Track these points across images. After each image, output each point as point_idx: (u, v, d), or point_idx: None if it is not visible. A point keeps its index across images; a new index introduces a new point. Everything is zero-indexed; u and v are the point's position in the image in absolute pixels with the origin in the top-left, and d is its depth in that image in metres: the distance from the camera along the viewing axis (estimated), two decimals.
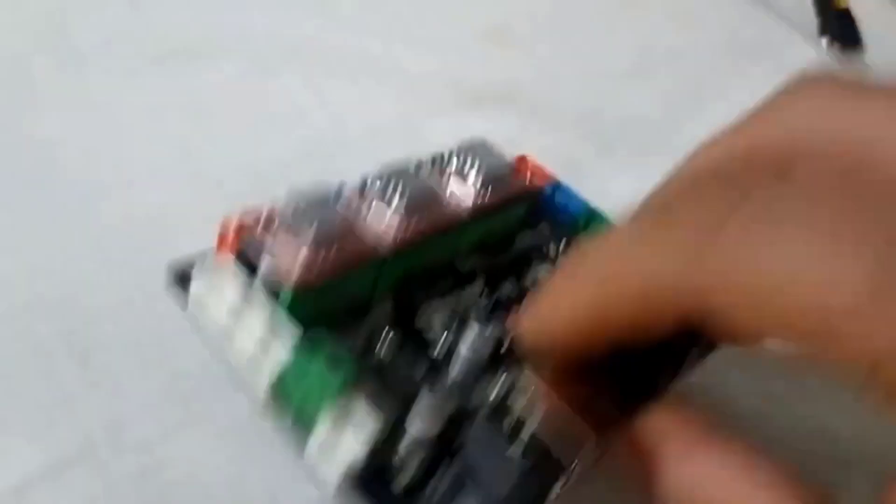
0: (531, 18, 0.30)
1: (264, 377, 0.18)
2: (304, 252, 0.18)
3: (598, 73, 0.28)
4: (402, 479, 0.17)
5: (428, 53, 0.29)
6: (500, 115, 0.27)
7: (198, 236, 0.19)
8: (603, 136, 0.27)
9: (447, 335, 0.19)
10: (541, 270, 0.22)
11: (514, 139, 0.24)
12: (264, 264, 0.18)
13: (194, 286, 0.19)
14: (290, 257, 0.18)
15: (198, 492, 0.20)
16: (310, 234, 0.18)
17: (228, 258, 0.18)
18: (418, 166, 0.21)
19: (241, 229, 0.18)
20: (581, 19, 0.30)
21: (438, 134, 0.23)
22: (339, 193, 0.20)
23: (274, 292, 0.18)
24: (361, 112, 0.27)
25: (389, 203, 0.20)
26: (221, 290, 0.18)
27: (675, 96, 0.23)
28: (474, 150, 0.22)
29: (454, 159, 0.22)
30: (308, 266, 0.18)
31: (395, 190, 0.20)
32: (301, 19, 0.30)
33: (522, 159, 0.24)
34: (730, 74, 0.29)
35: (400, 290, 0.20)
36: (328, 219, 0.18)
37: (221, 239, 0.18)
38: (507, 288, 0.21)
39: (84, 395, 0.22)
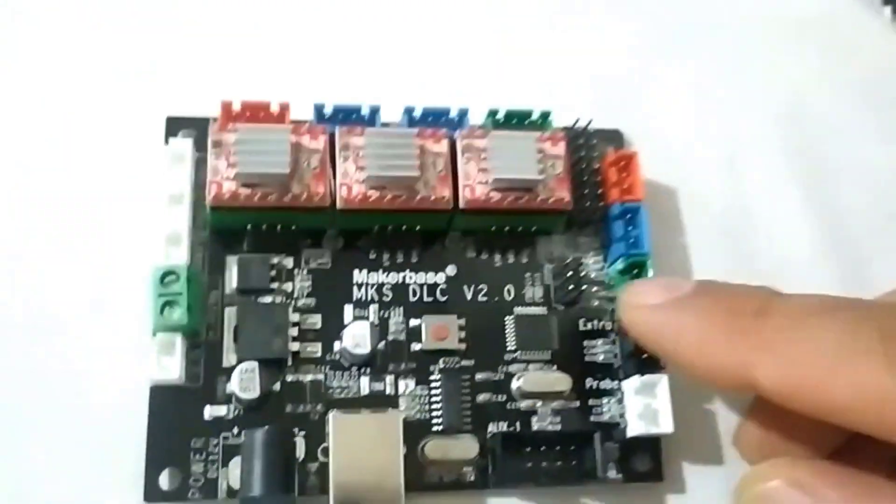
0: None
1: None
2: (226, 181, 0.18)
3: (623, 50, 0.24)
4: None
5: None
6: None
7: None
8: None
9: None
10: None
11: None
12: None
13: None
14: (217, 177, 0.18)
15: None
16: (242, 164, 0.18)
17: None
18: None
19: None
20: None
21: None
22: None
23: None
24: None
25: (358, 167, 0.19)
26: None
27: (714, 71, 0.20)
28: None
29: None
30: (227, 194, 0.18)
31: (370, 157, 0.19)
32: None
33: (626, 158, 0.20)
34: (783, 47, 0.25)
35: (351, 241, 0.20)
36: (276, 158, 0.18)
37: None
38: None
39: None
